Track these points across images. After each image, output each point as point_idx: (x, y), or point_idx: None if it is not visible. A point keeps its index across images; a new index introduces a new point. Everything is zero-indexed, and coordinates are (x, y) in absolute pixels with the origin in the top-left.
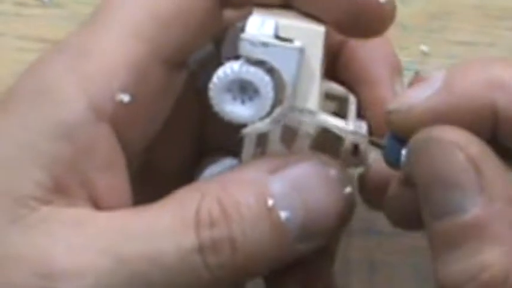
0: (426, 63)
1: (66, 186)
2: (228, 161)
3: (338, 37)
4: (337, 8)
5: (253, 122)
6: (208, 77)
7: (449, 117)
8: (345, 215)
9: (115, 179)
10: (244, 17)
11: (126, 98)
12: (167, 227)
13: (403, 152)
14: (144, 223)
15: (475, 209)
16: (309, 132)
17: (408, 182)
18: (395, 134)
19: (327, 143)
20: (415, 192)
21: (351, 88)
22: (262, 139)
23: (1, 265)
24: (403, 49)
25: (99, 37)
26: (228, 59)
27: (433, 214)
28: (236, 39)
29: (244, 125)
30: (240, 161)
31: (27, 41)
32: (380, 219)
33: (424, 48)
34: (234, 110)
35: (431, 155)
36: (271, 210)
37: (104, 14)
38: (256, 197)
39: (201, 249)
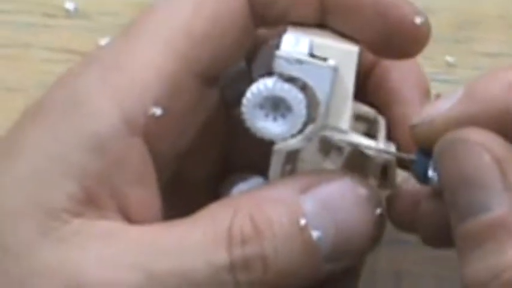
0: (452, 74)
1: (97, 198)
2: (255, 179)
3: (370, 57)
4: (371, 28)
5: (284, 139)
6: (238, 93)
7: (471, 124)
8: (374, 236)
9: (146, 192)
10: (277, 35)
11: (158, 111)
12: (198, 243)
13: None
14: (175, 238)
15: (499, 208)
16: (340, 151)
17: (438, 194)
18: (423, 149)
19: (356, 163)
20: (444, 203)
21: (379, 109)
22: (291, 157)
23: (33, 278)
24: (428, 60)
25: (133, 50)
26: (260, 76)
27: (459, 215)
28: (268, 56)
29: (273, 142)
30: (267, 179)
31: (53, 52)
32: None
33: (449, 59)
34: (266, 126)
35: (456, 156)
36: (303, 230)
37: (137, 28)
38: (289, 215)
39: (232, 266)
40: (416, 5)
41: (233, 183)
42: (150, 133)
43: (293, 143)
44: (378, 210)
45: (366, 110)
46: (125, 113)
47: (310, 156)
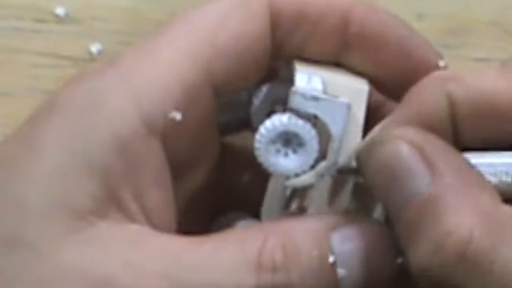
0: None
1: (120, 199)
2: (252, 222)
3: (378, 97)
4: (392, 68)
5: (296, 175)
6: (229, 121)
7: (411, 122)
8: (393, 283)
9: (164, 194)
10: (280, 74)
11: (178, 116)
12: (228, 263)
13: None
14: (205, 255)
15: (427, 188)
16: (349, 189)
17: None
18: None
19: (361, 200)
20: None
21: None
22: (299, 194)
23: (59, 277)
24: None
25: (155, 55)
26: (261, 111)
27: (395, 210)
28: (272, 93)
29: (267, 179)
30: (260, 216)
31: (43, 57)
32: None
33: (441, 64)
34: (278, 162)
35: (378, 154)
36: (331, 266)
37: (162, 34)
38: (319, 249)
39: None
40: (408, 9)
41: (227, 224)
42: (167, 137)
43: (305, 178)
44: (400, 259)
45: None
46: (145, 115)
47: (320, 193)
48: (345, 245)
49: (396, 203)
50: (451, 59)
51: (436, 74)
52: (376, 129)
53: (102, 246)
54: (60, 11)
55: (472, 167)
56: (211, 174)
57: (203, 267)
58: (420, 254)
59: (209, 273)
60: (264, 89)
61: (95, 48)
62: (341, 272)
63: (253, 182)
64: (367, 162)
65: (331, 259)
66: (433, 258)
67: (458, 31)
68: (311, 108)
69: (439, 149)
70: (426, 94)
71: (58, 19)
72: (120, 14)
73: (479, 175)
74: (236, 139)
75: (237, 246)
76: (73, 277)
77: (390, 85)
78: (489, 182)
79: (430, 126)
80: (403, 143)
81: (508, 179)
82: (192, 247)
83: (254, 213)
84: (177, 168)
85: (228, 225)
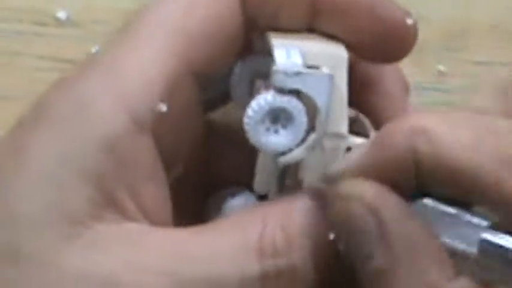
0: (443, 82)
1: (116, 199)
2: (245, 195)
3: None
4: (363, 30)
5: (289, 151)
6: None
7: (375, 171)
8: None
9: (159, 189)
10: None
11: (164, 107)
12: (229, 251)
13: None
14: (204, 246)
15: (380, 258)
16: (341, 156)
17: None
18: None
19: None
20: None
21: (360, 106)
22: (291, 169)
23: (64, 284)
24: (420, 68)
25: (132, 51)
26: (240, 89)
27: (355, 265)
28: (248, 69)
29: (256, 153)
30: (257, 194)
31: (44, 61)
32: None
33: (441, 67)
34: (270, 140)
35: (337, 209)
36: (332, 243)
37: (134, 29)
38: (318, 228)
39: (263, 277)
40: None
41: (222, 200)
42: (157, 130)
43: (296, 153)
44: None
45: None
46: (132, 112)
47: (313, 164)
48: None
49: (354, 258)
50: (452, 62)
51: (406, 122)
52: (349, 160)
53: (102, 247)
54: (61, 14)
55: (428, 236)
56: (199, 155)
57: (205, 259)
58: None
59: (211, 264)
60: (241, 63)
61: (95, 51)
62: (342, 247)
63: (242, 155)
64: (332, 214)
65: (331, 236)
66: None
67: (459, 34)
68: (294, 83)
69: (395, 217)
70: (393, 147)
71: (59, 22)
72: (121, 17)
73: (434, 245)
74: (218, 115)
75: (236, 233)
76: (77, 282)
77: (362, 46)
78: (446, 248)
79: (392, 176)
80: (360, 206)
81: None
82: (192, 239)
83: (247, 185)
84: (168, 160)
85: (223, 202)
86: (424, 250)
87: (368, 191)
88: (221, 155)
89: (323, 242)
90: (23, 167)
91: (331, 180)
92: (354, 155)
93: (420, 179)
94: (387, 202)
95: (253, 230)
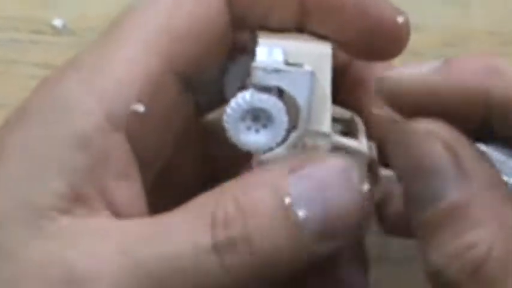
0: None
1: (84, 195)
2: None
3: (343, 57)
4: (352, 29)
5: (270, 149)
6: (208, 100)
7: (439, 93)
8: (364, 213)
9: (131, 187)
10: (247, 49)
11: (141, 108)
12: (182, 227)
13: None
14: (161, 225)
15: (455, 194)
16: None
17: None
18: None
19: None
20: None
21: (355, 109)
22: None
23: (24, 277)
24: None
25: (113, 50)
26: (234, 88)
27: (416, 204)
28: (241, 69)
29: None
30: None
31: (40, 69)
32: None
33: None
34: (250, 139)
35: (409, 146)
36: (288, 209)
37: (117, 29)
38: (273, 195)
39: (217, 248)
40: None
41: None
42: (132, 130)
43: (279, 152)
44: (366, 187)
45: (341, 111)
46: (107, 110)
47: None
48: (303, 186)
49: (419, 198)
50: None
51: (478, 61)
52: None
53: (66, 241)
54: (57, 22)
55: (501, 180)
56: (197, 156)
57: (160, 237)
58: (436, 258)
59: (166, 241)
60: (234, 63)
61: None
62: (302, 213)
63: (240, 156)
64: (397, 151)
65: (286, 201)
66: (448, 266)
67: (456, 42)
68: (274, 81)
69: (471, 156)
70: (464, 83)
71: (55, 31)
72: None
73: (507, 190)
74: (215, 116)
75: (192, 210)
76: (39, 275)
77: (353, 45)
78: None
79: (457, 113)
80: (437, 143)
81: None
82: (151, 222)
83: None
84: (148, 158)
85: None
86: (501, 193)
87: (443, 128)
88: (218, 155)
89: (282, 209)
90: (2, 166)
91: (382, 79)
92: (412, 66)
93: (486, 120)
94: (462, 141)
95: (207, 204)
